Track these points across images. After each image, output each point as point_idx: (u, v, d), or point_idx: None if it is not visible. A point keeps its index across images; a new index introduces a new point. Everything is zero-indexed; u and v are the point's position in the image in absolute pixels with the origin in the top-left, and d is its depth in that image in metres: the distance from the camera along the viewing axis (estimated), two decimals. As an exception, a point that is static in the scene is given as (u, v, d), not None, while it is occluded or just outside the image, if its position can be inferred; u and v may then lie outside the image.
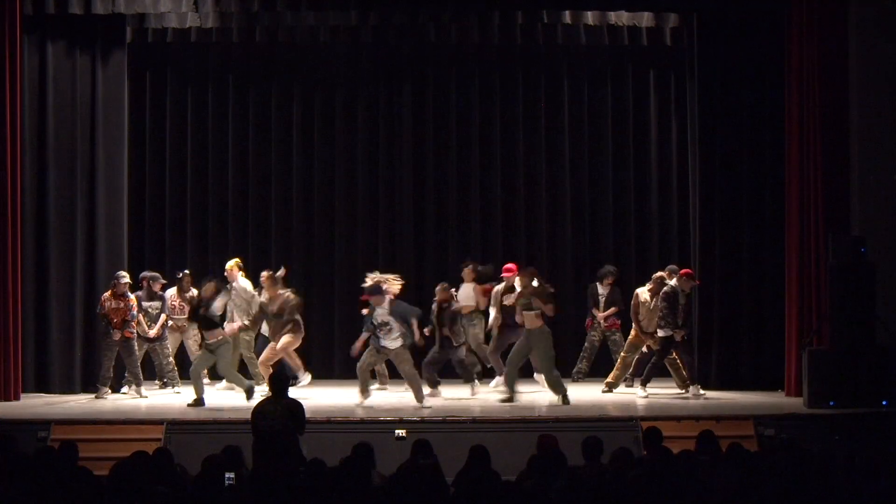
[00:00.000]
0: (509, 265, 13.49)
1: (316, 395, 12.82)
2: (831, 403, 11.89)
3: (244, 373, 13.40)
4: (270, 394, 9.58)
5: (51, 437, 10.74)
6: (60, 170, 13.75)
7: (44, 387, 13.53)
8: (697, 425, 10.74)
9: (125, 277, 13.05)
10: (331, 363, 15.17)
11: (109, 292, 12.98)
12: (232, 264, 13.55)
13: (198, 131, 15.37)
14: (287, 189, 15.44)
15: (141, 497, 6.50)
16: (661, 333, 12.89)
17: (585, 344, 14.29)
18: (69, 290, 13.69)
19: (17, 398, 12.87)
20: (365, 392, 12.25)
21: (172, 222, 15.31)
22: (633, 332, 13.37)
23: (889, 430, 11.10)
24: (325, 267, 15.43)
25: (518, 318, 12.56)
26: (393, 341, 12.05)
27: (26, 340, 13.36)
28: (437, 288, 13.22)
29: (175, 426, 11.08)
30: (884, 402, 11.92)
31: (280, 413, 9.14)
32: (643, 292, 13.29)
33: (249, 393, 12.39)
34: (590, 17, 14.44)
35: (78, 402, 12.75)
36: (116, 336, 12.85)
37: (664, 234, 15.62)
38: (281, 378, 9.70)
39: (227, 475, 7.15)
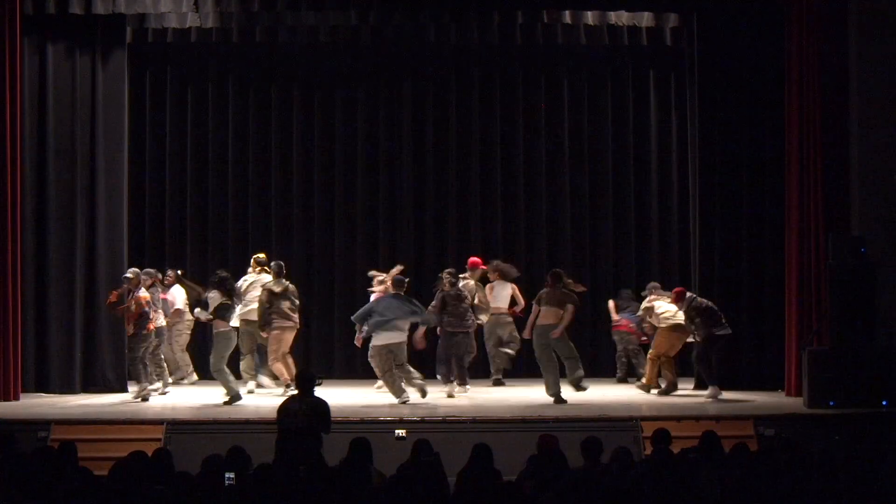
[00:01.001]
0: (473, 258, 13.85)
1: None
2: (831, 403, 11.88)
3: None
4: (297, 391, 9.58)
5: (51, 437, 10.73)
6: (60, 170, 13.75)
7: (44, 387, 13.52)
8: (697, 425, 10.76)
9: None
10: (331, 363, 15.18)
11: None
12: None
13: (198, 131, 15.38)
14: (287, 189, 15.45)
15: (141, 497, 6.50)
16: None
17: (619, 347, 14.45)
18: (69, 290, 13.67)
19: (17, 398, 12.87)
20: (401, 393, 12.25)
21: (172, 222, 15.33)
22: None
23: (889, 430, 11.09)
24: (324, 267, 15.44)
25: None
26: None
27: (26, 340, 13.35)
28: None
29: (175, 426, 11.06)
30: (884, 402, 11.91)
31: (304, 411, 9.14)
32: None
33: (233, 400, 12.23)
34: (590, 17, 14.45)
35: (78, 402, 12.73)
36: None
37: (664, 234, 15.62)
38: (306, 377, 9.65)
39: (227, 475, 7.14)
